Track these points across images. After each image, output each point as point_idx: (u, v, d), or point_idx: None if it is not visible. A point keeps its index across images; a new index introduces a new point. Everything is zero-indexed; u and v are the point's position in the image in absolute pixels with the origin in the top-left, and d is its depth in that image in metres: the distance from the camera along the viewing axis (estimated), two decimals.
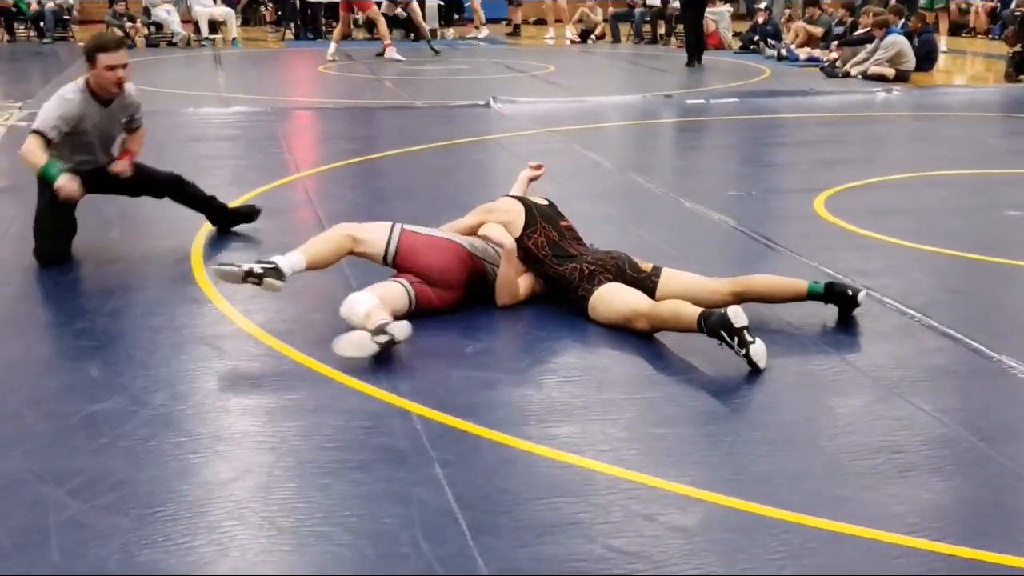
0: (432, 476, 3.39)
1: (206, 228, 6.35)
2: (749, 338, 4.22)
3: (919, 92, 13.80)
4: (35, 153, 5.50)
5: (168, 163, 8.58)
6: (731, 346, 4.24)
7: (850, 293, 4.80)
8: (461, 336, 4.65)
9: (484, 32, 22.33)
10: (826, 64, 15.87)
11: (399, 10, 19.55)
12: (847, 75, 14.95)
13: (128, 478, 3.37)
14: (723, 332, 4.25)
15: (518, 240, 4.97)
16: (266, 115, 11.19)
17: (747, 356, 4.21)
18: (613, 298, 4.71)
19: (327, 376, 4.19)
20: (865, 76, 14.65)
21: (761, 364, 4.22)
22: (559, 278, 4.89)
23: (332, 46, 17.16)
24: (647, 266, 4.92)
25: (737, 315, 4.26)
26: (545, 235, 4.99)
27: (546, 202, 5.25)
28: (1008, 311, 5.27)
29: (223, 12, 20.26)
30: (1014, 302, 5.45)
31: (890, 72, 14.46)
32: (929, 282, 5.57)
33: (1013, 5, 19.56)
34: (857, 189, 7.71)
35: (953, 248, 6.04)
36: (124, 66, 5.61)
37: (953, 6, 22.39)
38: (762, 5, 20.13)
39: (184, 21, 19.98)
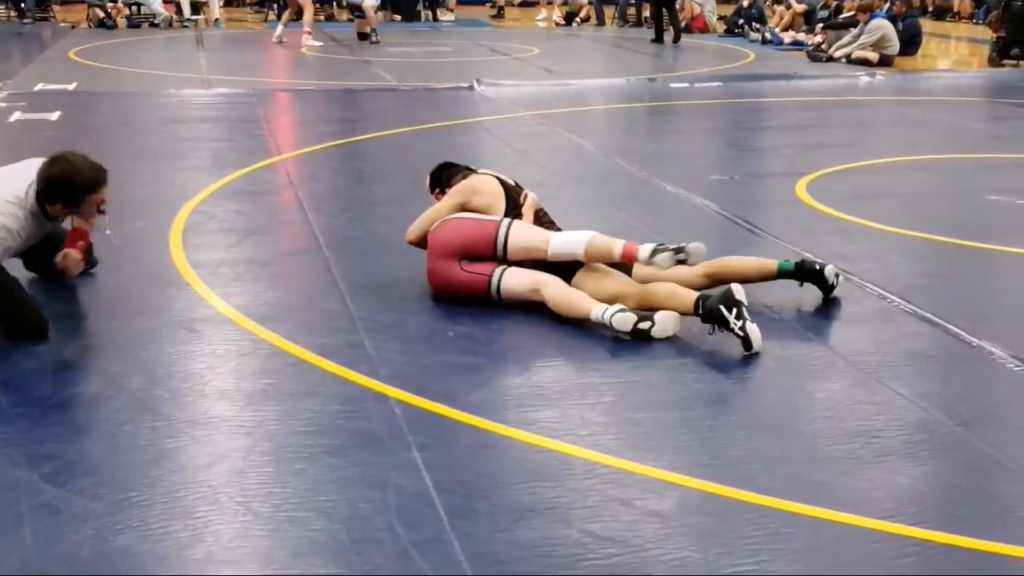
0: (409, 460, 3.38)
1: (186, 211, 6.31)
2: (747, 315, 4.26)
3: (903, 76, 13.81)
4: None
5: (147, 145, 8.58)
6: (727, 322, 4.26)
7: (817, 267, 4.83)
8: (441, 320, 4.64)
9: (449, 16, 22.08)
10: (810, 48, 15.86)
11: None
12: (831, 59, 14.95)
13: (103, 463, 3.35)
14: (722, 306, 4.28)
15: None
16: (248, 97, 11.13)
17: (743, 331, 4.23)
18: (602, 276, 4.72)
19: (305, 360, 4.17)
20: (849, 60, 14.66)
21: (755, 344, 4.23)
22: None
23: (280, 28, 16.82)
24: None
25: (739, 290, 4.33)
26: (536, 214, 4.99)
27: (513, 182, 5.22)
28: (988, 296, 5.28)
29: None
30: (994, 287, 5.46)
31: (874, 56, 14.46)
32: (910, 267, 5.58)
33: None
34: (839, 173, 7.71)
35: (934, 233, 6.05)
36: None
37: None
38: None
39: (166, 1, 19.84)
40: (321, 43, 16.44)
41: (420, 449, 3.45)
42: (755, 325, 4.27)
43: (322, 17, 20.81)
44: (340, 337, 4.41)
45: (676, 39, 17.31)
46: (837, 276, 4.88)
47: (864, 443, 3.54)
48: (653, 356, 4.29)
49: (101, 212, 4.50)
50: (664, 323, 4.39)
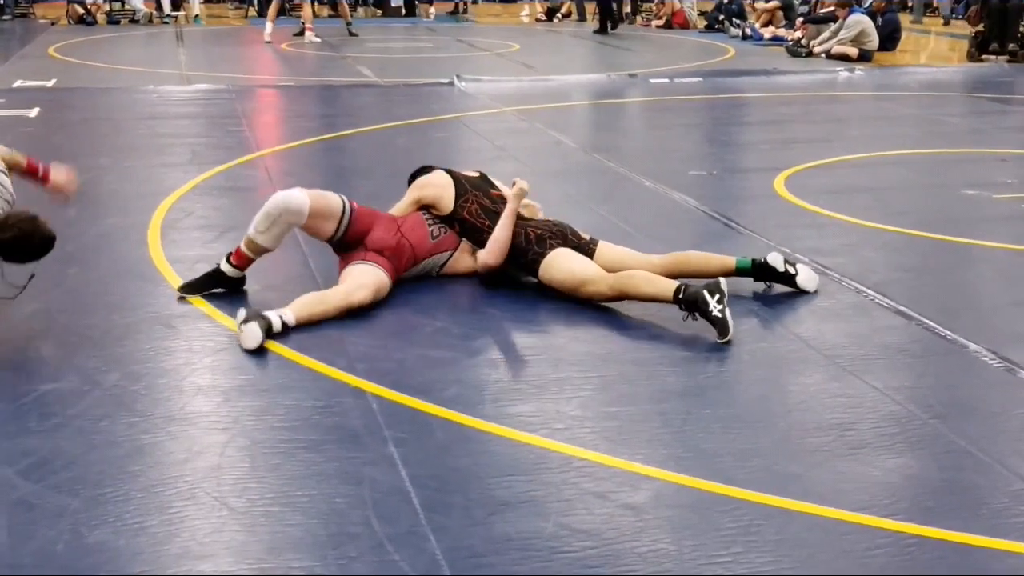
0: (386, 455, 3.39)
1: (164, 207, 6.30)
2: (727, 304, 4.32)
3: (881, 71, 13.86)
4: None
5: (126, 141, 8.56)
6: (707, 305, 4.30)
7: (771, 263, 4.86)
8: (418, 315, 4.65)
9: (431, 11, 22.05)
10: (790, 43, 15.90)
11: None
12: (811, 54, 14.99)
13: (79, 458, 3.35)
14: (706, 291, 4.32)
15: (453, 212, 5.03)
16: (227, 93, 11.11)
17: (722, 314, 4.28)
18: (571, 262, 4.77)
19: (282, 355, 4.18)
20: (829, 55, 14.69)
21: (730, 330, 4.29)
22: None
23: (268, 26, 16.34)
24: (585, 235, 5.00)
25: (723, 282, 4.39)
26: (478, 202, 5.05)
27: (477, 174, 5.27)
28: (962, 289, 5.32)
29: None
30: (969, 281, 5.50)
31: (853, 51, 14.50)
32: (885, 260, 5.61)
33: None
34: (817, 168, 7.74)
35: (910, 227, 6.08)
36: None
37: None
38: None
39: None
40: (320, 39, 16.34)
41: (396, 444, 3.46)
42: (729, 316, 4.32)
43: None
44: (317, 332, 4.41)
45: (613, 27, 18.78)
46: (791, 264, 4.89)
47: (838, 436, 3.56)
48: (629, 351, 4.31)
49: None
50: (246, 335, 4.24)
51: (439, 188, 5.10)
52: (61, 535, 2.92)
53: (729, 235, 5.99)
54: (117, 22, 19.21)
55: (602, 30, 18.58)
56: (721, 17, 18.96)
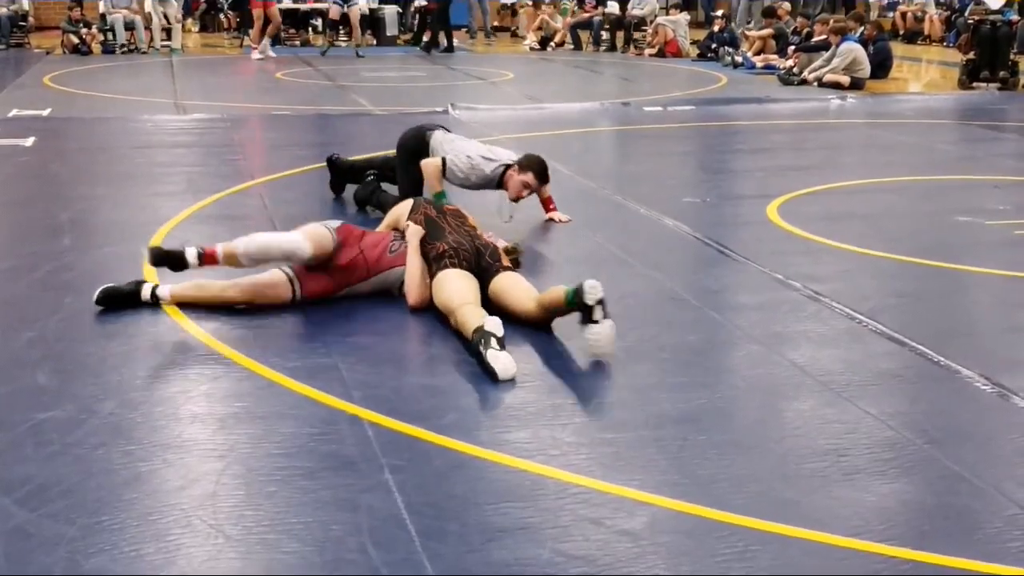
0: (382, 482, 3.40)
1: (160, 235, 6.31)
2: (495, 345, 4.25)
3: (873, 99, 13.94)
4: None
5: (122, 170, 8.57)
6: (481, 356, 4.27)
7: (586, 288, 4.43)
8: (414, 343, 4.67)
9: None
10: (782, 71, 15.99)
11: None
12: (803, 82, 15.07)
13: (76, 486, 3.35)
14: (482, 338, 4.29)
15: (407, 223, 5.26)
16: (222, 122, 11.14)
17: (487, 363, 4.22)
18: (442, 287, 4.83)
19: (278, 383, 4.19)
20: (821, 83, 14.77)
21: (501, 374, 4.18)
22: (425, 258, 5.09)
23: (264, 43, 18.14)
24: (506, 261, 5.04)
25: (492, 323, 4.35)
26: (424, 213, 5.25)
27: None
28: (955, 315, 5.35)
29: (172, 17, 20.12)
30: (961, 306, 5.52)
31: (845, 79, 14.58)
32: (878, 287, 5.63)
33: (967, 13, 19.76)
34: (810, 195, 7.78)
35: (903, 253, 6.11)
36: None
37: (909, 14, 22.76)
38: (719, 13, 20.27)
39: (129, 28, 19.72)
40: (262, 57, 17.85)
41: (392, 471, 3.47)
42: (505, 355, 4.21)
43: (298, 43, 20.88)
44: (313, 360, 4.42)
45: (441, 45, 20.01)
46: (603, 305, 4.41)
47: (833, 461, 3.58)
48: (624, 377, 4.32)
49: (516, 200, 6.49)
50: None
51: (399, 210, 5.46)
52: (58, 563, 2.93)
53: (723, 262, 6.02)
54: (112, 51, 19.24)
55: (432, 46, 19.86)
56: (714, 46, 19.05)
